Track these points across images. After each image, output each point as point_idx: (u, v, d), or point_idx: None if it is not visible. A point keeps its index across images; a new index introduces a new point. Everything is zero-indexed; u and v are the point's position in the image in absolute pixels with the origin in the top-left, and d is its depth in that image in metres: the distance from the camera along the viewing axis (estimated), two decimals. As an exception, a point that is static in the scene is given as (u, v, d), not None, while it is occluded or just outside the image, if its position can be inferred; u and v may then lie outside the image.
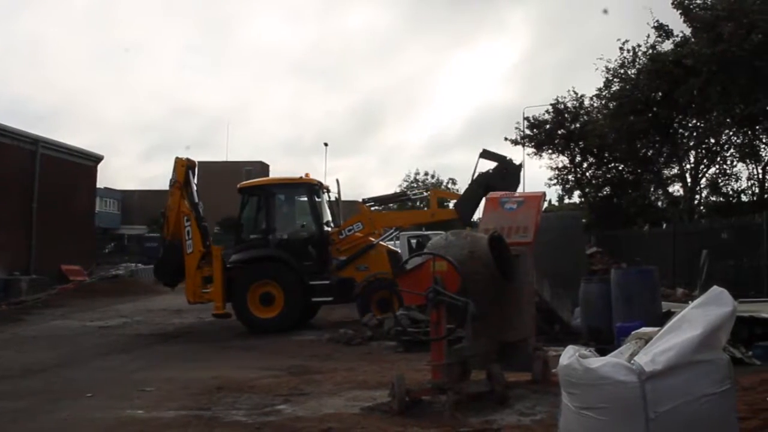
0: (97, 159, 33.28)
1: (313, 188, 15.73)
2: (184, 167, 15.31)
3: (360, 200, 17.40)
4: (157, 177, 71.71)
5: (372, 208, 16.61)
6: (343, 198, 17.03)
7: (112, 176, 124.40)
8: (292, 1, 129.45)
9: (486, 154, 14.80)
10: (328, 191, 16.42)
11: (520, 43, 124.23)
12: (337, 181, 18.94)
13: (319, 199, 15.84)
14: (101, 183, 49.01)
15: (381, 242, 15.92)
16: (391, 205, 20.10)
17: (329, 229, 15.72)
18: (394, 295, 14.45)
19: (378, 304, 14.44)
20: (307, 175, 15.96)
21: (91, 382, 9.16)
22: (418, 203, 26.00)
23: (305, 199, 15.79)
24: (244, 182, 16.74)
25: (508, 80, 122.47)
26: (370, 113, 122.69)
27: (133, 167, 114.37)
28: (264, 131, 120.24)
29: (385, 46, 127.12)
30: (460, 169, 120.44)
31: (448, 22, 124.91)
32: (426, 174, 72.05)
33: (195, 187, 15.59)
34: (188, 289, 15.05)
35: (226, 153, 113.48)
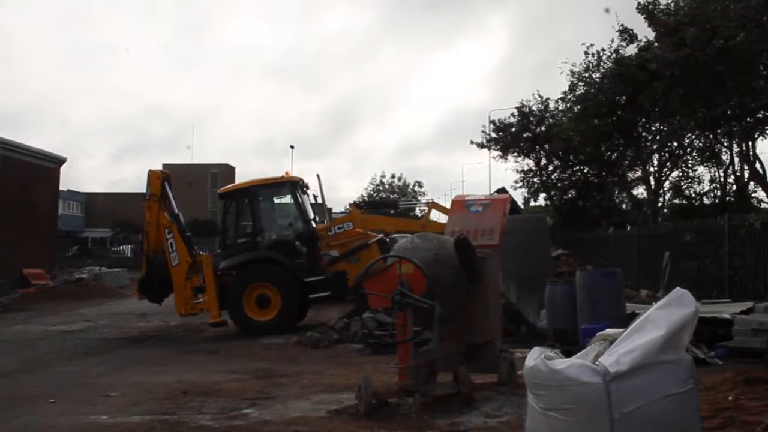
0: (60, 161, 32.82)
1: (296, 185, 15.66)
2: (159, 179, 15.10)
3: (351, 203, 17.47)
4: (126, 179, 71.43)
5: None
6: (312, 201, 16.98)
7: (80, 178, 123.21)
8: (269, 3, 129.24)
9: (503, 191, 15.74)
10: (308, 188, 16.36)
11: (496, 46, 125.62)
12: (318, 177, 18.82)
13: (304, 196, 15.79)
14: (66, 185, 48.39)
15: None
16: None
17: (315, 225, 15.70)
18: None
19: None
20: (287, 173, 15.91)
21: (53, 388, 9.01)
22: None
23: (289, 197, 15.73)
24: (225, 187, 16.59)
25: (482, 83, 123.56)
26: (343, 116, 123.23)
27: (101, 169, 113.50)
28: (236, 133, 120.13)
29: (362, 49, 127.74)
30: (430, 171, 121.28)
31: (425, 24, 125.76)
32: (393, 176, 72.22)
33: (173, 198, 15.35)
34: (178, 302, 14.78)
35: (191, 155, 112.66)
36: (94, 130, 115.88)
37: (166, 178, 15.34)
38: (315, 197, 16.61)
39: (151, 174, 15.17)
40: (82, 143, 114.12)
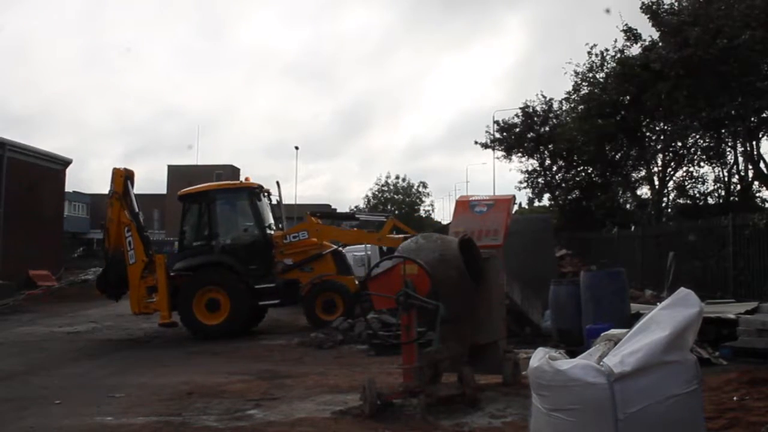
0: (66, 162, 32.91)
1: (254, 192, 15.80)
2: (122, 177, 15.24)
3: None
4: (136, 180, 70.69)
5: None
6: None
7: (90, 179, 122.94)
8: (284, 5, 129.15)
9: None
10: (269, 195, 16.45)
11: (511, 47, 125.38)
12: (278, 183, 18.92)
13: (260, 203, 15.89)
14: (76, 186, 48.32)
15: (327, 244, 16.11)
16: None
17: (272, 232, 15.78)
18: (345, 297, 14.60)
19: (323, 306, 14.66)
20: (247, 179, 16.12)
21: (59, 389, 9.04)
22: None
23: (246, 203, 15.78)
24: (184, 190, 16.63)
25: (496, 85, 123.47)
26: (355, 117, 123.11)
27: (111, 171, 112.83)
28: (248, 134, 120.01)
29: (376, 50, 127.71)
30: (438, 171, 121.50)
31: (441, 25, 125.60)
32: (397, 177, 72.17)
33: (134, 197, 15.47)
34: (132, 300, 14.92)
35: (196, 156, 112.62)
36: (105, 131, 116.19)
37: (128, 177, 15.46)
38: (278, 202, 16.67)
39: (115, 172, 15.35)
40: (93, 145, 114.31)
